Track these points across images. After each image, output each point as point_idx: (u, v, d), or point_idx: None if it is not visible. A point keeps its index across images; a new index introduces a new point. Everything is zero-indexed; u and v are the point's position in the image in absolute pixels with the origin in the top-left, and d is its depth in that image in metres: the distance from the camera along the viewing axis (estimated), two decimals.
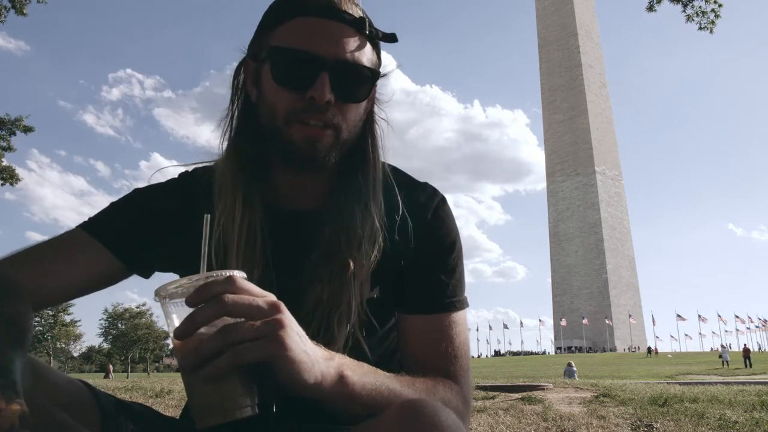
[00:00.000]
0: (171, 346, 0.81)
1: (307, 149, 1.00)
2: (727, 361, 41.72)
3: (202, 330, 0.76)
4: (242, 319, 0.76)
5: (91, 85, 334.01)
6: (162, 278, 1.18)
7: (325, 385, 0.82)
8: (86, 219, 1.12)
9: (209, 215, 0.88)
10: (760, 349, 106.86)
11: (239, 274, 0.80)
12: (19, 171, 19.17)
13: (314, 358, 0.81)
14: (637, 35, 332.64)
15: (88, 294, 1.09)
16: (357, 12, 1.03)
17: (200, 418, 0.77)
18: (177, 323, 0.77)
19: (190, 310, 0.76)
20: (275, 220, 1.09)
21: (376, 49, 1.07)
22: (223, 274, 0.78)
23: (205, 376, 0.75)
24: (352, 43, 1.01)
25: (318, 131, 0.99)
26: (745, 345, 48.43)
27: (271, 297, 0.80)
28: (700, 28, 10.62)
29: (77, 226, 1.10)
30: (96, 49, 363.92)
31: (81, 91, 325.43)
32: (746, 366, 38.60)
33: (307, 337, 0.83)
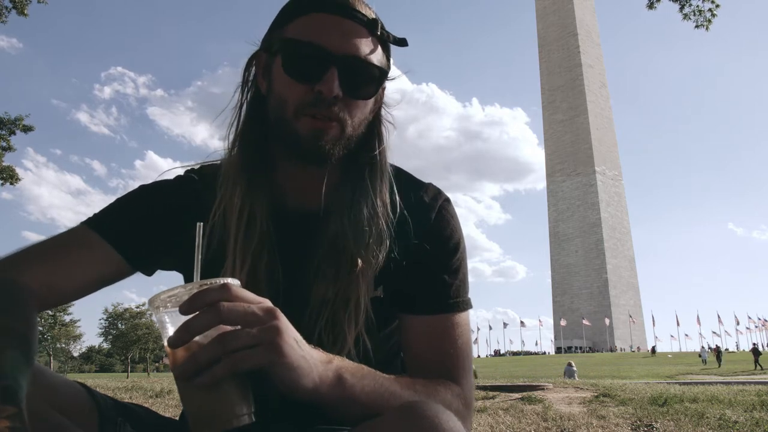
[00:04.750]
0: (165, 355, 0.81)
1: (312, 141, 1.00)
2: (704, 360, 49.03)
3: (197, 339, 0.75)
4: (238, 327, 0.75)
5: (84, 84, 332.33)
6: (163, 275, 1.18)
7: (323, 388, 0.82)
8: (91, 215, 1.11)
9: (202, 223, 0.88)
10: None
11: (234, 282, 0.79)
12: (17, 170, 19.14)
13: (312, 362, 0.81)
14: (637, 35, 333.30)
15: (93, 292, 1.07)
16: (370, 14, 1.04)
17: (196, 426, 0.76)
18: (171, 332, 0.76)
19: (184, 318, 0.75)
20: (282, 220, 1.08)
21: (387, 52, 1.08)
22: (218, 282, 0.77)
23: (201, 384, 0.74)
24: (364, 42, 1.02)
25: (324, 123, 1.00)
26: (717, 345, 56.23)
27: (267, 303, 0.79)
28: (697, 26, 10.69)
29: (82, 223, 1.09)
30: (87, 46, 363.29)
31: (74, 89, 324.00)
32: (719, 364, 43.65)
33: (304, 341, 0.83)
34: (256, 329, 0.75)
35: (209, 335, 0.75)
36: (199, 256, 0.85)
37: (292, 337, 0.78)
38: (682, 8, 10.62)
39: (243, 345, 0.74)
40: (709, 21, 10.61)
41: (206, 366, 0.73)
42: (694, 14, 10.59)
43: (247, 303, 0.77)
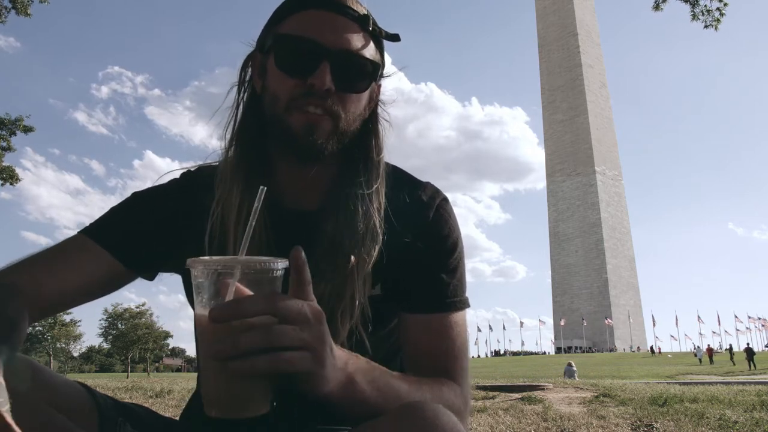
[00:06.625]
0: (195, 323, 0.79)
1: (305, 135, 1.01)
2: (700, 359, 50.53)
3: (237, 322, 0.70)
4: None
5: (81, 83, 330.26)
6: (164, 276, 1.18)
7: (335, 392, 0.82)
8: (87, 224, 1.12)
9: (264, 187, 0.84)
10: None
11: (285, 265, 0.77)
12: (16, 170, 19.13)
13: (335, 369, 0.80)
14: (637, 35, 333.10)
15: (95, 299, 1.09)
16: (362, 10, 1.06)
17: (213, 406, 0.74)
18: (206, 299, 0.73)
19: (221, 287, 0.72)
20: (279, 219, 1.09)
21: (380, 48, 1.10)
22: (278, 262, 0.75)
23: (236, 370, 0.70)
24: (356, 37, 1.03)
25: (316, 117, 1.01)
26: (708, 345, 57.81)
27: (316, 305, 0.77)
28: (706, 26, 10.61)
29: (79, 232, 1.10)
30: (84, 46, 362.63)
31: (71, 88, 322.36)
32: (711, 363, 46.06)
33: (334, 345, 0.81)
34: (306, 333, 0.73)
35: (250, 321, 0.71)
36: (253, 222, 0.81)
37: (329, 345, 0.78)
38: (693, 8, 10.54)
39: (288, 345, 0.72)
40: (718, 20, 10.54)
41: (244, 352, 0.70)
42: (703, 14, 10.54)
43: (301, 299, 0.75)
